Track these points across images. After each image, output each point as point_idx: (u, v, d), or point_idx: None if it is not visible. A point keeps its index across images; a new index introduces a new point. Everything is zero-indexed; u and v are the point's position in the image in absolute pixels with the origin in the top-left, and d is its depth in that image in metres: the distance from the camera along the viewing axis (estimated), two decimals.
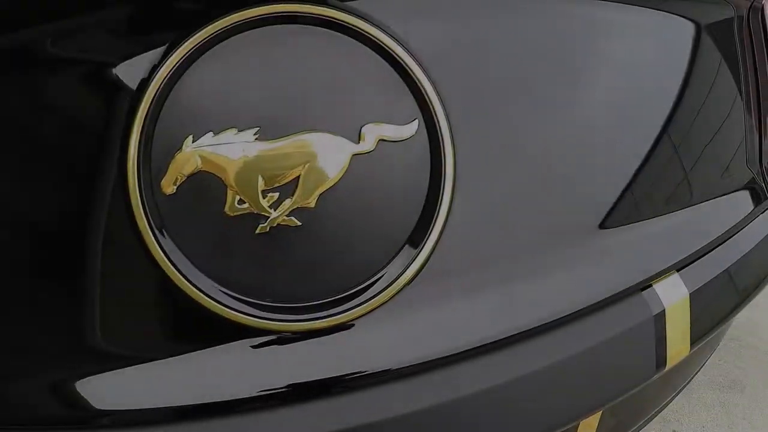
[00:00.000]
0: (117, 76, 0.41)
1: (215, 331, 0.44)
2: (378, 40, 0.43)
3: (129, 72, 0.41)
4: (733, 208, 0.73)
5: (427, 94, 0.44)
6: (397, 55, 0.43)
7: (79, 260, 0.42)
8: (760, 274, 0.74)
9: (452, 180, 0.45)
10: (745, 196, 0.76)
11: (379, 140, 0.43)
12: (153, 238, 0.42)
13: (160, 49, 0.41)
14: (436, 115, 0.44)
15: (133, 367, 0.43)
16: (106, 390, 0.42)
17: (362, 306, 0.44)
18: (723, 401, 1.41)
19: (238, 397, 0.44)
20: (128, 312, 0.44)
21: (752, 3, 0.75)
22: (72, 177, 0.42)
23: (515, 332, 0.50)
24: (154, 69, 0.40)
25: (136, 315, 0.44)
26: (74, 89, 0.42)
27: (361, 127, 0.43)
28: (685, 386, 0.94)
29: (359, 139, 0.43)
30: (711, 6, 0.71)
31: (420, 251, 0.45)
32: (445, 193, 0.45)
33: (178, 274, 0.43)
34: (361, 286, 0.44)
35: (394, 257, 0.45)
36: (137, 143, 0.41)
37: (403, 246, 0.45)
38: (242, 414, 0.44)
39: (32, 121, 0.41)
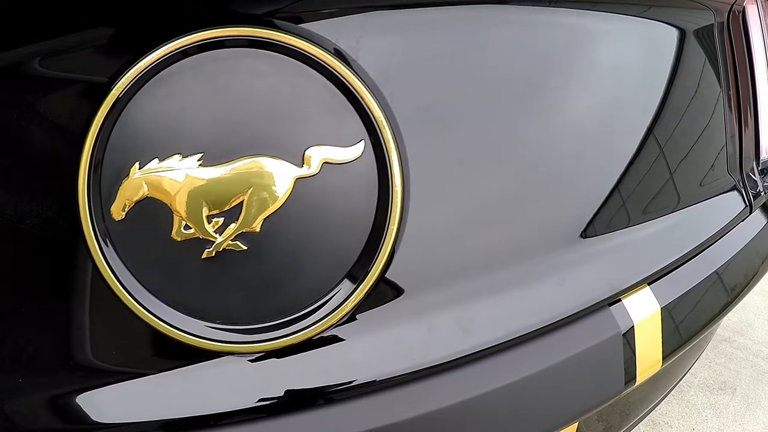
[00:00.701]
0: (66, 104, 0.42)
1: (174, 351, 0.45)
2: (321, 60, 0.42)
3: (77, 101, 0.42)
4: (711, 217, 0.72)
5: (372, 115, 0.43)
6: (341, 75, 0.42)
7: (53, 283, 0.43)
8: (737, 285, 0.72)
9: (400, 201, 0.44)
10: (724, 204, 0.75)
11: (324, 163, 0.42)
12: (104, 262, 0.43)
13: (106, 78, 0.41)
14: (383, 136, 0.43)
15: (121, 383, 0.44)
16: (105, 403, 0.43)
17: (308, 329, 0.44)
18: (713, 403, 1.40)
19: (195, 415, 0.44)
20: (102, 332, 0.44)
21: (732, 7, 0.73)
22: (34, 203, 0.42)
23: (474, 351, 0.50)
24: (101, 97, 0.41)
25: (110, 335, 0.45)
26: (27, 116, 0.42)
27: (305, 150, 0.42)
28: (672, 389, 0.93)
29: (303, 162, 0.42)
30: (692, 12, 0.70)
31: (366, 276, 0.44)
32: (392, 215, 0.44)
33: (130, 298, 0.43)
34: (307, 310, 0.44)
35: (342, 280, 0.44)
36: (86, 171, 0.41)
37: (349, 271, 0.45)
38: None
39: None
